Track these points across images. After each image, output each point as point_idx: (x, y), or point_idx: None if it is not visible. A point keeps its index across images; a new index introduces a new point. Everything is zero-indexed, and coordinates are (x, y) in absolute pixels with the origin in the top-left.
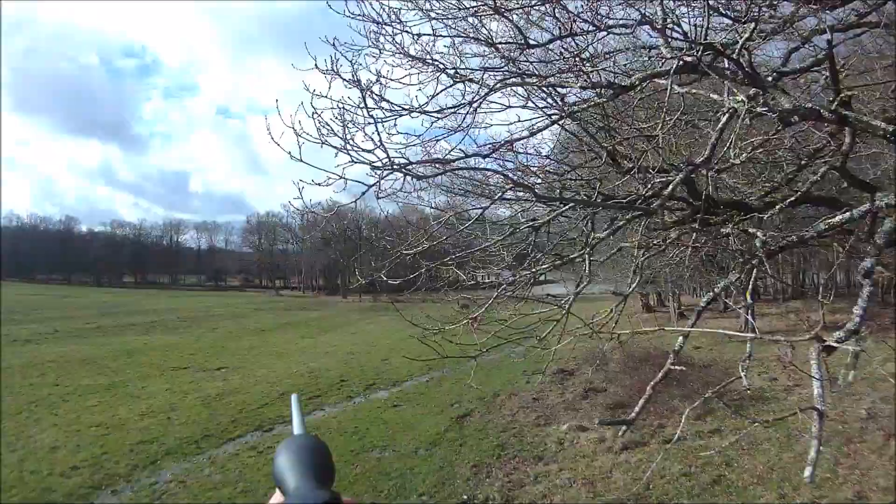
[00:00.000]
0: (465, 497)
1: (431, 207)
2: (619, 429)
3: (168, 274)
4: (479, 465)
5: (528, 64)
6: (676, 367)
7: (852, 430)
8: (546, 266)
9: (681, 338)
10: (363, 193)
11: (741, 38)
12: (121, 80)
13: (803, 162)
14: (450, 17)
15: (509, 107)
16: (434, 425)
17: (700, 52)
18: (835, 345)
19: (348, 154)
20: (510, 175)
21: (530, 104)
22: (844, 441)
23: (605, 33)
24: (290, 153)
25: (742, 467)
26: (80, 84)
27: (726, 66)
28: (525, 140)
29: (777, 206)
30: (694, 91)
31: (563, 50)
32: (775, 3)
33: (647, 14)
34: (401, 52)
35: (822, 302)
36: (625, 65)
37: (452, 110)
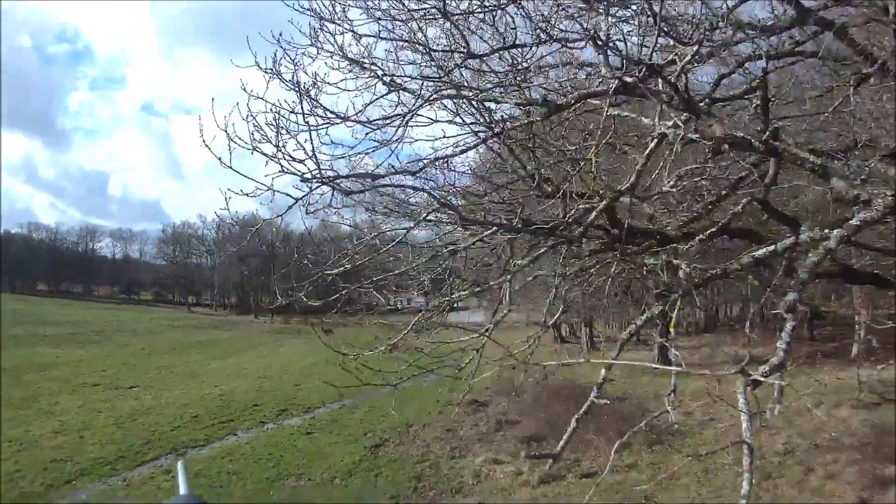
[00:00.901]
0: None
1: (351, 226)
2: (536, 462)
3: (82, 283)
4: (396, 497)
5: (460, 78)
6: (601, 399)
7: (770, 465)
8: (465, 292)
9: (603, 370)
10: (290, 207)
11: (679, 60)
12: (51, 68)
13: (724, 192)
14: (393, 18)
15: (436, 121)
16: (349, 454)
17: (641, 73)
18: (761, 378)
19: (279, 163)
20: (435, 195)
21: (458, 119)
22: (763, 476)
23: (545, 47)
24: (219, 158)
25: (661, 501)
26: (12, 69)
27: (660, 89)
28: (450, 158)
29: (697, 238)
30: (625, 114)
31: (500, 62)
32: (718, 27)
33: (589, 28)
34: (340, 54)
35: (750, 337)
36: (559, 83)
37: (387, 121)
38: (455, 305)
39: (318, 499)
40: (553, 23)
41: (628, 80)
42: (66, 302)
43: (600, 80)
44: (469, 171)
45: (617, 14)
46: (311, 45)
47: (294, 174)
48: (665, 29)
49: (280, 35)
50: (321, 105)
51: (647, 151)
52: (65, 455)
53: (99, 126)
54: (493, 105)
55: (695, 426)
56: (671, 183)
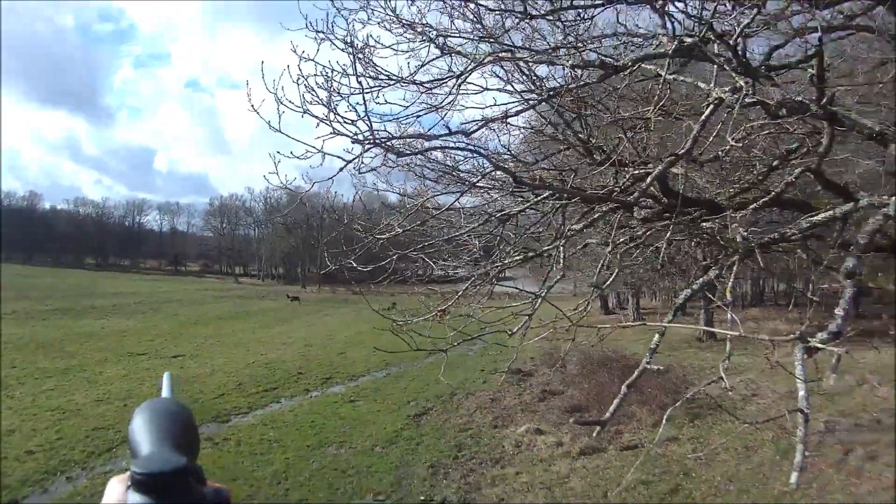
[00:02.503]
0: (422, 498)
1: (399, 194)
2: (578, 433)
3: (129, 257)
4: (436, 466)
5: (512, 43)
6: (653, 366)
7: (809, 443)
8: (518, 258)
9: (656, 335)
10: (342, 168)
11: (737, 25)
12: (95, 47)
13: (775, 163)
14: None
15: (486, 89)
16: (391, 423)
17: (702, 35)
18: (819, 346)
19: (330, 125)
20: (490, 158)
21: (508, 87)
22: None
23: (602, 8)
24: (269, 122)
25: (700, 478)
26: (54, 49)
27: (717, 53)
28: (501, 124)
29: (749, 208)
30: (682, 78)
31: (552, 27)
32: None
33: None
34: (393, 17)
35: (811, 299)
36: (613, 47)
37: (440, 81)
38: (503, 274)
39: (357, 466)
40: None
41: (687, 41)
42: (114, 275)
43: (657, 44)
44: (519, 138)
45: None
46: (361, 10)
47: (346, 136)
48: None
49: None
50: (375, 65)
51: (704, 117)
52: (107, 423)
53: (143, 103)
54: (543, 73)
55: (737, 401)
56: (726, 149)
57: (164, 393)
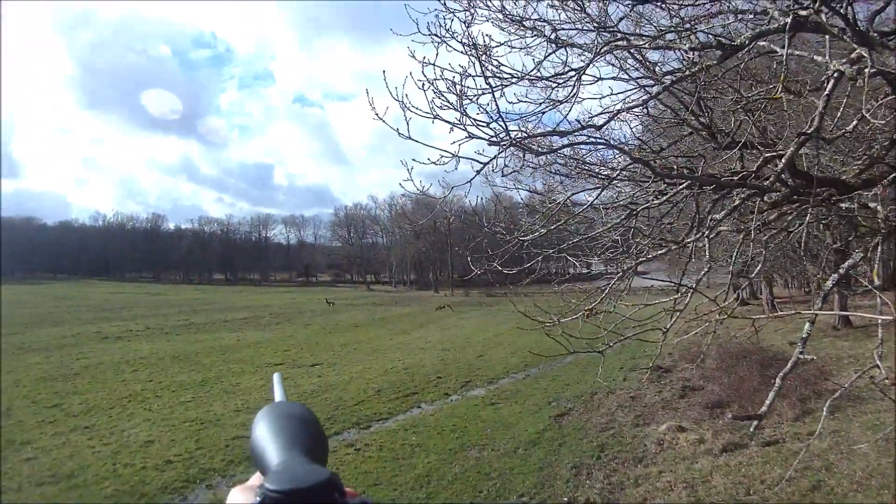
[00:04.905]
0: (566, 499)
1: (532, 192)
2: (719, 430)
3: (257, 270)
4: (578, 467)
5: (617, 31)
6: (807, 356)
7: None
8: (662, 250)
9: (807, 324)
10: (479, 171)
11: None
12: (195, 72)
13: None
14: None
15: (601, 78)
16: (532, 424)
17: (817, 5)
18: None
19: (465, 129)
20: (628, 151)
21: (622, 75)
22: None
23: None
24: (397, 130)
25: (841, 472)
26: (153, 77)
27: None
28: (630, 110)
29: (880, 183)
30: (798, 52)
31: (660, 12)
32: None
33: None
34: (500, 13)
35: None
36: (723, 27)
37: (563, 76)
38: (637, 268)
39: (499, 469)
40: None
41: (802, 13)
42: (243, 288)
43: (769, 18)
44: (642, 127)
45: None
46: (465, 11)
47: (482, 138)
48: None
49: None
50: (500, 64)
51: (828, 91)
52: (246, 432)
53: (253, 122)
54: (655, 57)
55: (876, 391)
56: (854, 124)
57: (278, 395)
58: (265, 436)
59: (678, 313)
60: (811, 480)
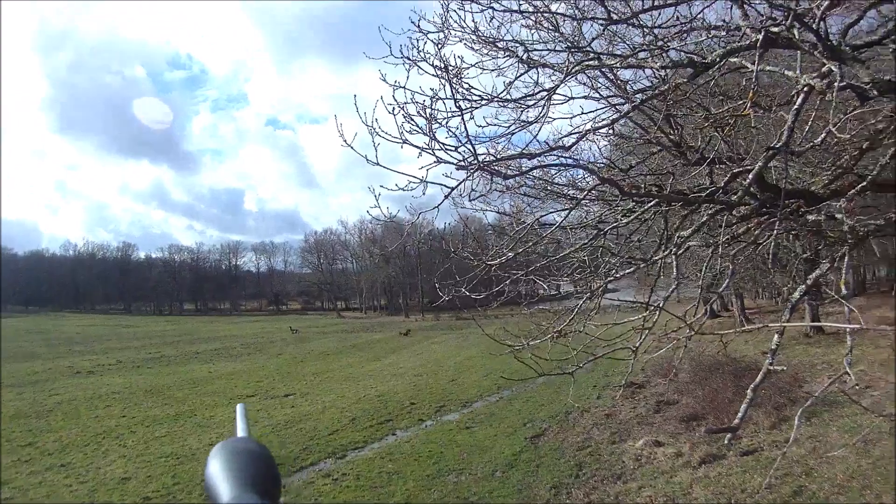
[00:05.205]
0: None
1: (501, 213)
2: (696, 442)
3: (228, 299)
4: (557, 487)
5: (589, 50)
6: (777, 367)
7: None
8: (630, 269)
9: (776, 335)
10: (447, 196)
11: (818, 9)
12: (169, 94)
13: (865, 146)
14: None
15: (571, 98)
16: (509, 446)
17: (789, 21)
18: None
19: (433, 154)
20: (596, 172)
21: (593, 94)
22: None
23: (683, 7)
24: (365, 156)
25: (822, 476)
26: (127, 99)
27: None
28: (598, 130)
29: (848, 194)
30: (769, 68)
31: (642, 25)
32: None
33: None
34: (474, 34)
35: None
36: (695, 44)
37: (532, 97)
38: (607, 287)
39: (479, 493)
40: None
41: (774, 30)
42: (213, 319)
43: (741, 35)
44: (610, 146)
45: None
46: (438, 32)
47: (451, 163)
48: None
49: (422, 16)
50: (470, 87)
51: (797, 106)
52: None
53: (225, 145)
54: (626, 76)
55: (851, 395)
56: (822, 137)
57: (240, 428)
58: (217, 473)
59: (647, 331)
60: (792, 486)
